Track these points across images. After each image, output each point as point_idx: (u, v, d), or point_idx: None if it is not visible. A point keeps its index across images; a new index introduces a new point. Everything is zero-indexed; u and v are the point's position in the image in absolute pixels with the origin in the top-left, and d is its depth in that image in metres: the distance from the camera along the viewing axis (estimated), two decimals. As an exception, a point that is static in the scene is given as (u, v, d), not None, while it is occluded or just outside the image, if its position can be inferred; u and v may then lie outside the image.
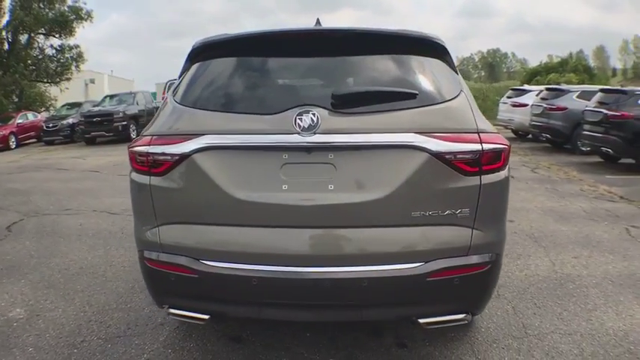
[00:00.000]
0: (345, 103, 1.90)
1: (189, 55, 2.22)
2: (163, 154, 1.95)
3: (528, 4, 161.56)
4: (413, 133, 1.86)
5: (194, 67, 2.20)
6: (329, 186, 1.87)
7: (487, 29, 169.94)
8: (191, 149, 1.91)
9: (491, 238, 2.01)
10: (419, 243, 1.90)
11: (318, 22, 2.68)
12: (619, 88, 10.22)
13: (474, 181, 1.91)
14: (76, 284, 3.44)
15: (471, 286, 1.97)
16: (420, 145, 1.85)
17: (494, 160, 1.93)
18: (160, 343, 2.60)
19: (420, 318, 1.96)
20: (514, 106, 12.86)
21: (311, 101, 1.93)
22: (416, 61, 2.09)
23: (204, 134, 1.92)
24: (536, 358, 2.46)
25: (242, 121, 1.94)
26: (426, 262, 1.88)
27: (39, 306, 3.09)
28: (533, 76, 32.10)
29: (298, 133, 1.87)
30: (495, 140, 1.95)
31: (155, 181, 1.98)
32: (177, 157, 1.92)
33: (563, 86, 13.25)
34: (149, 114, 16.25)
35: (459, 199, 1.90)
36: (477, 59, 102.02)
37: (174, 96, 2.14)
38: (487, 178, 1.93)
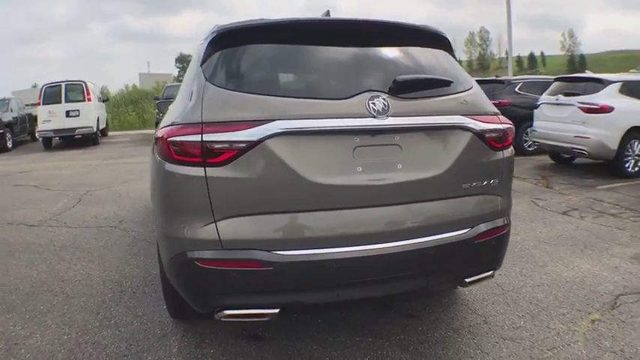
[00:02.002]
0: (402, 88, 2.02)
1: (218, 40, 2.08)
2: (225, 142, 1.81)
3: (372, 2, 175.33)
4: (460, 115, 2.09)
5: (231, 51, 2.07)
6: (397, 165, 1.98)
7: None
8: (263, 135, 1.81)
9: (508, 203, 2.35)
10: (467, 211, 2.13)
11: (327, 13, 2.65)
12: (495, 78, 11.77)
13: (500, 155, 2.22)
14: (37, 304, 2.96)
15: (498, 245, 2.27)
16: (467, 125, 2.09)
17: (509, 136, 2.25)
18: (175, 355, 2.40)
19: (466, 278, 2.20)
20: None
21: (373, 87, 1.99)
22: (440, 54, 2.33)
23: (275, 120, 1.84)
24: (524, 307, 2.84)
25: (314, 105, 1.92)
26: (472, 227, 2.12)
27: (11, 334, 2.60)
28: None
29: (374, 117, 1.93)
30: (507, 121, 2.28)
31: (213, 172, 1.82)
32: (244, 145, 1.81)
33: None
34: (22, 121, 14.67)
35: (492, 170, 2.19)
36: None
37: (211, 81, 1.96)
38: (506, 152, 2.25)
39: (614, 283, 3.16)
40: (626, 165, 6.63)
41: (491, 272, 2.29)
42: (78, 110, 12.99)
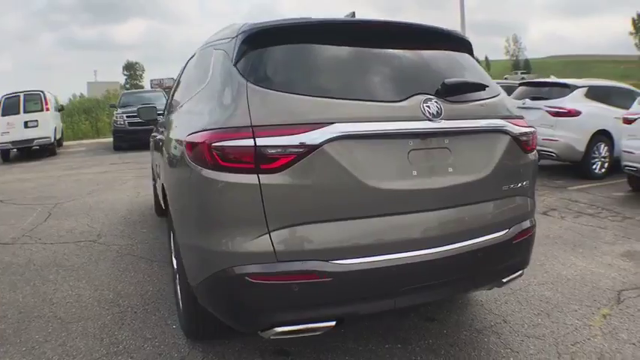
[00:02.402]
0: (449, 92, 2.02)
1: (254, 38, 1.97)
2: (281, 146, 1.70)
3: (312, 8, 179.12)
4: (499, 119, 2.12)
5: (272, 50, 1.95)
6: (449, 169, 1.97)
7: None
8: (323, 139, 1.72)
9: (534, 204, 2.41)
10: (506, 212, 2.17)
11: (353, 15, 2.60)
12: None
13: (530, 157, 2.29)
14: (31, 333, 2.68)
15: (528, 245, 2.32)
16: (506, 128, 2.13)
17: (535, 139, 2.34)
18: (200, 375, 2.26)
19: (504, 278, 2.24)
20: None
21: (424, 89, 1.98)
22: (467, 58, 2.37)
23: (334, 122, 1.75)
24: (536, 305, 2.92)
25: (370, 108, 1.86)
26: (509, 229, 2.15)
27: (12, 368, 2.35)
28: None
29: (430, 120, 1.92)
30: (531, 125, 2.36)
31: (268, 179, 1.69)
32: (302, 150, 1.70)
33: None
34: None
35: (525, 172, 2.25)
36: None
37: (254, 82, 1.84)
38: (533, 155, 2.33)
39: (613, 279, 3.32)
40: (593, 167, 7.02)
41: (521, 272, 2.33)
42: (36, 120, 12.36)
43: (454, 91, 2.02)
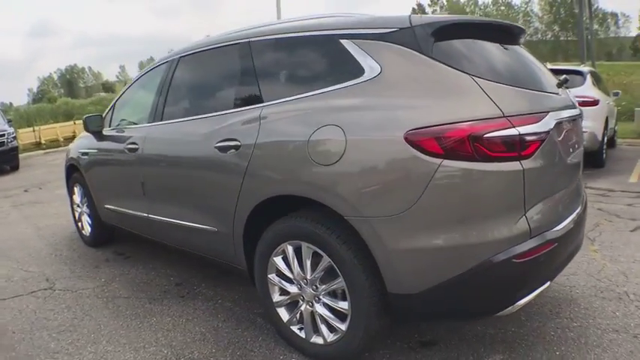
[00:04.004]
0: (563, 83, 2.47)
1: (445, 30, 2.02)
2: (535, 133, 1.88)
3: (88, 18, 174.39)
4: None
5: (463, 43, 2.07)
6: (575, 146, 2.37)
7: (58, 47, 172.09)
8: (551, 126, 1.99)
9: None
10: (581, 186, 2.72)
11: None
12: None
13: None
14: None
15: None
16: (579, 114, 2.53)
17: None
18: None
19: None
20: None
21: (556, 82, 2.40)
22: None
23: (549, 112, 2.02)
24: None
25: (554, 99, 2.22)
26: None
27: None
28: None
29: (575, 108, 2.35)
30: None
31: (527, 164, 1.86)
32: (544, 135, 1.93)
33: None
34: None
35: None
36: (56, 77, 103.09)
37: (476, 74, 1.90)
38: None
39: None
40: (603, 155, 7.15)
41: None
42: None
43: (560, 84, 2.45)
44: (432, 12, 79.90)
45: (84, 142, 4.35)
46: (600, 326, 2.55)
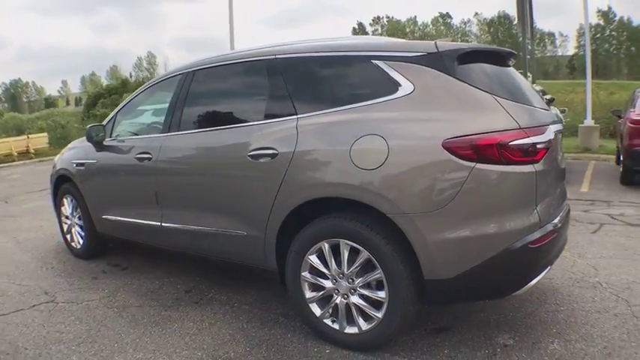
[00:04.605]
0: (548, 103, 2.94)
1: (465, 57, 2.38)
2: (543, 142, 2.31)
3: (29, 32, 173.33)
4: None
5: (479, 67, 2.44)
6: (560, 155, 2.76)
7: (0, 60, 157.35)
8: (551, 136, 2.42)
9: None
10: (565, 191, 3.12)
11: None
12: None
13: None
14: None
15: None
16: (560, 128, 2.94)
17: None
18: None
19: None
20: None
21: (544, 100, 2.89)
22: None
23: (549, 124, 2.46)
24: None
25: (549, 115, 2.65)
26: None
27: None
28: (97, 98, 30.79)
29: (560, 123, 2.80)
30: None
31: (538, 167, 2.27)
32: (547, 144, 2.35)
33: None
34: None
35: None
36: (0, 92, 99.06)
37: (492, 93, 2.29)
38: None
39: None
40: None
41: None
42: None
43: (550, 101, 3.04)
44: (373, 31, 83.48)
45: (78, 153, 4.28)
46: (584, 309, 3.00)
